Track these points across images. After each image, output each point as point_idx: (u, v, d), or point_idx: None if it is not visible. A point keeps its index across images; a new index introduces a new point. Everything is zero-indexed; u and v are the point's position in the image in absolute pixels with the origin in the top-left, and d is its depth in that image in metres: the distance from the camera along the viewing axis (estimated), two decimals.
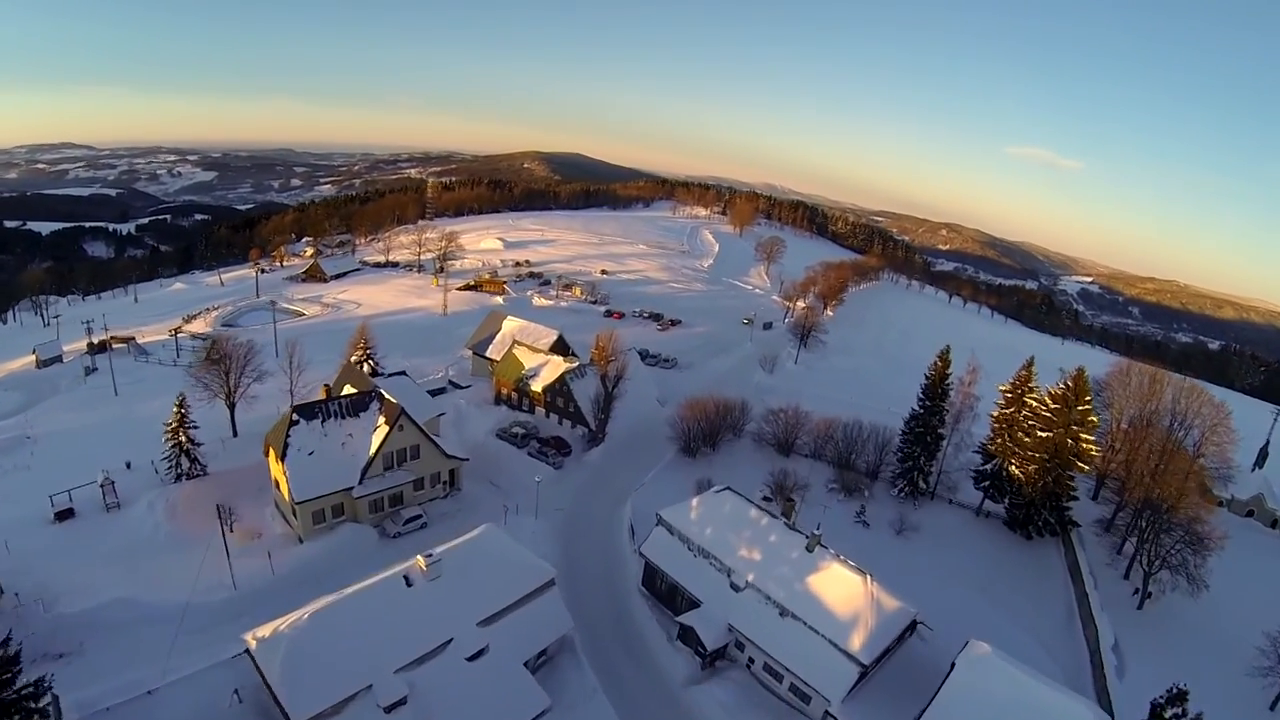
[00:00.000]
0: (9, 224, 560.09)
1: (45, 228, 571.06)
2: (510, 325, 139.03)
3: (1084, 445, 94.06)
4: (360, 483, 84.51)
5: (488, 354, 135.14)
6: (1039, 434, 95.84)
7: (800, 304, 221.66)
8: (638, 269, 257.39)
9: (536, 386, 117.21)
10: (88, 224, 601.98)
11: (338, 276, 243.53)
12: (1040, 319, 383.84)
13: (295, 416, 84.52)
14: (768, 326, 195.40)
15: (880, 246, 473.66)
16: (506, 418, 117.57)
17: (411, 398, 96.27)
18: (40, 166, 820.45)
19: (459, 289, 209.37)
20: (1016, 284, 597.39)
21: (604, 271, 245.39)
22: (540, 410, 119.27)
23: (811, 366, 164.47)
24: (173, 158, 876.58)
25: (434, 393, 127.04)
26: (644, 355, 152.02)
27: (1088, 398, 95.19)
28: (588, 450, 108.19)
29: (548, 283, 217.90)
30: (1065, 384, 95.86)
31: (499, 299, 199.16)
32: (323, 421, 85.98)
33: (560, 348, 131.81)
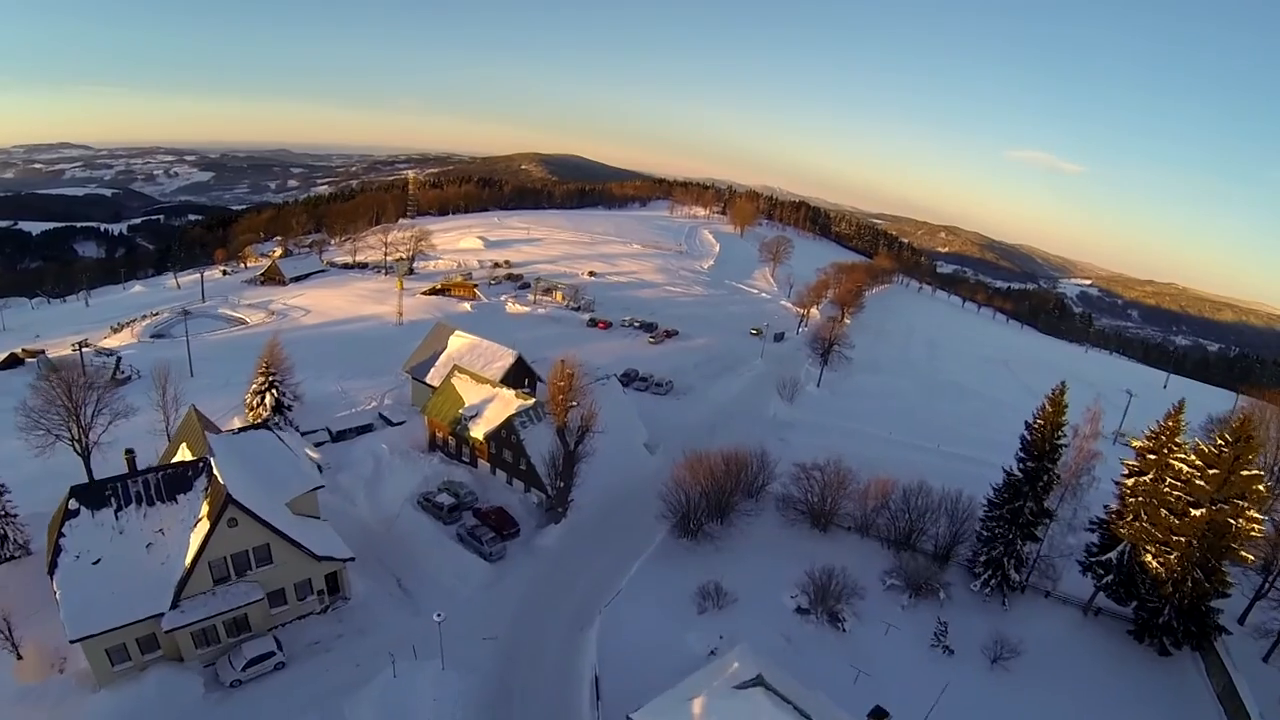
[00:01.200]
0: (1, 223, 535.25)
1: (37, 227, 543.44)
2: (457, 343, 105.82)
3: (1249, 525, 60.72)
4: (175, 606, 51.49)
5: (428, 379, 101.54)
6: (1188, 511, 62.46)
7: (814, 311, 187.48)
8: (630, 271, 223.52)
9: (477, 432, 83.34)
10: (79, 224, 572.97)
11: (298, 279, 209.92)
12: (1055, 325, 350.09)
13: (73, 504, 51.83)
14: (779, 338, 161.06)
15: (885, 248, 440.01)
16: (438, 474, 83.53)
17: (276, 464, 62.61)
18: (37, 166, 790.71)
19: (424, 293, 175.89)
20: (1027, 287, 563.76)
21: (592, 273, 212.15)
22: (485, 463, 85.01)
23: (837, 390, 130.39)
24: (170, 158, 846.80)
25: (358, 430, 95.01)
26: (630, 379, 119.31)
27: (1251, 457, 62.05)
28: (543, 527, 74.60)
29: (526, 286, 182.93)
30: (1221, 439, 62.64)
31: (467, 305, 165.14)
32: (118, 510, 53.56)
33: (517, 376, 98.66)
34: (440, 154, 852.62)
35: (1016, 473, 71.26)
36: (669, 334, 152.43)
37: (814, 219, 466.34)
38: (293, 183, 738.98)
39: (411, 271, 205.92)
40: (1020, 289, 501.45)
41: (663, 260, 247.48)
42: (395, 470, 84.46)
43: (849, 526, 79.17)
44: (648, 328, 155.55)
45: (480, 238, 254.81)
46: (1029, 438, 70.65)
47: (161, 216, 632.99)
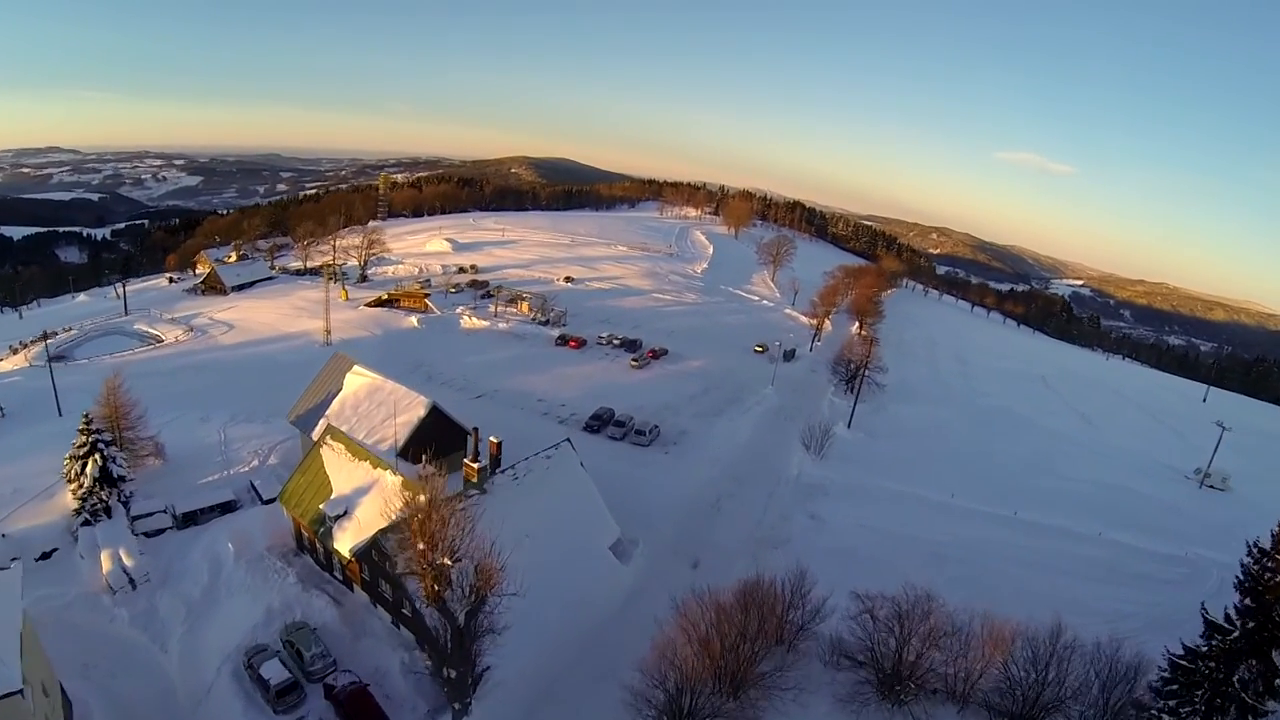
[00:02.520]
0: None
1: (19, 232, 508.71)
2: (355, 384, 73.79)
3: None
4: None
5: (316, 433, 68.81)
6: None
7: (828, 323, 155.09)
8: (613, 276, 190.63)
9: (343, 544, 50.39)
10: (63, 229, 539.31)
11: (242, 287, 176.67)
12: (1065, 328, 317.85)
13: None
14: (790, 357, 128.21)
15: (885, 249, 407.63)
16: (291, 604, 51.20)
17: None
18: (25, 170, 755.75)
19: (368, 305, 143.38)
20: (1030, 289, 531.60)
21: (568, 279, 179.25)
22: (364, 589, 52.66)
23: (872, 430, 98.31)
24: (158, 162, 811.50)
25: (216, 509, 64.12)
26: (602, 422, 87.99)
27: None
28: None
29: (492, 295, 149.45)
30: None
31: (414, 319, 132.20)
32: None
33: (430, 437, 65.20)
34: (430, 157, 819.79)
35: (1228, 621, 39.59)
36: (656, 354, 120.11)
37: (810, 220, 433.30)
38: (281, 187, 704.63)
39: (365, 279, 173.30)
40: (1024, 291, 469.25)
41: (650, 263, 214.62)
42: (233, 592, 52.99)
43: (938, 688, 47.10)
44: (630, 346, 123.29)
45: (448, 240, 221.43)
46: (1243, 580, 38.85)
47: (146, 221, 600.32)
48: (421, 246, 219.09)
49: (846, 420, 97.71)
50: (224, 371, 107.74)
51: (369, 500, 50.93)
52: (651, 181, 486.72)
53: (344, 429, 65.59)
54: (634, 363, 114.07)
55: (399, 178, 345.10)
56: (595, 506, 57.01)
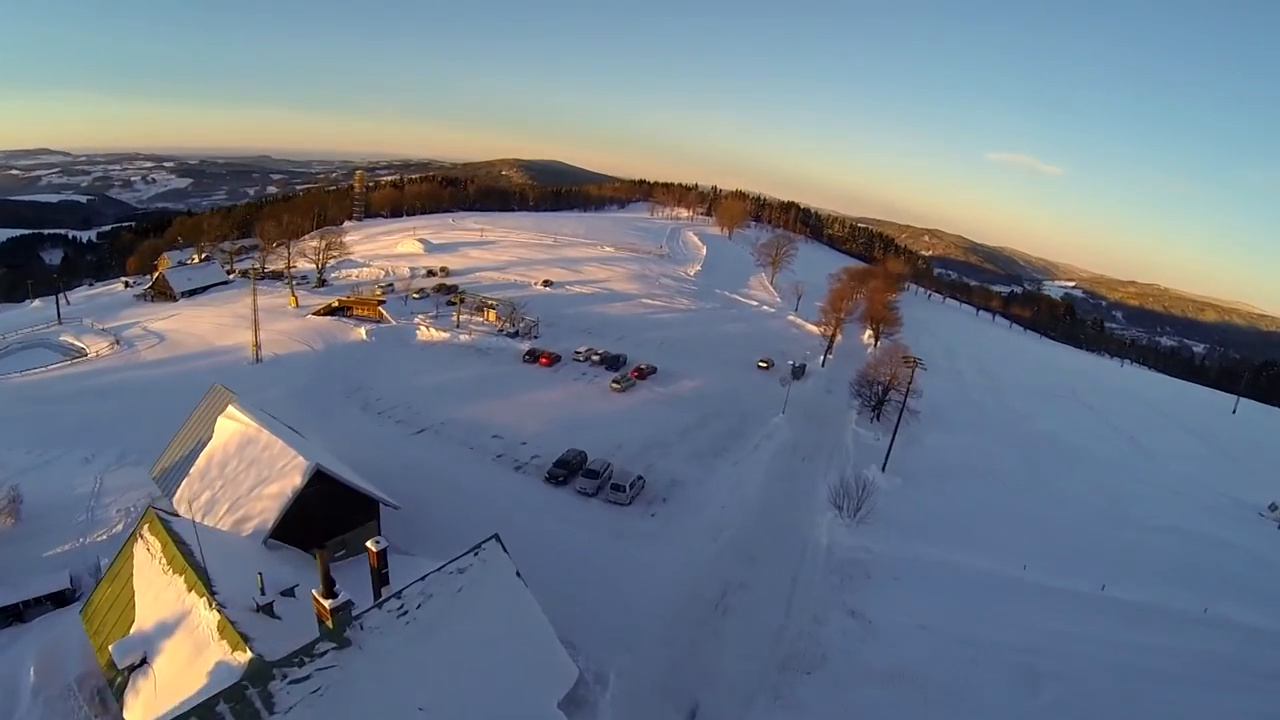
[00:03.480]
0: None
1: (2, 234, 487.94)
2: (226, 431, 51.96)
3: None
4: None
5: (178, 499, 48.36)
6: None
7: (835, 332, 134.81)
8: (598, 279, 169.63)
9: (134, 716, 29.54)
10: (48, 231, 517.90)
11: (194, 292, 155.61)
12: (1071, 332, 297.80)
13: None
14: (799, 373, 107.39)
15: (882, 251, 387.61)
16: None
17: None
18: (14, 173, 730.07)
19: (316, 313, 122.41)
20: (1026, 291, 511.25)
21: (547, 283, 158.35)
22: None
23: (912, 472, 77.51)
24: (148, 164, 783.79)
25: (28, 606, 45.22)
26: (569, 471, 66.96)
27: None
28: None
29: (455, 303, 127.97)
30: None
31: (363, 331, 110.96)
32: None
33: (306, 516, 44.41)
34: (421, 160, 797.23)
35: None
36: (643, 372, 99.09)
37: (805, 221, 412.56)
38: (272, 189, 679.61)
39: (323, 283, 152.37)
40: (1025, 294, 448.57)
41: (639, 265, 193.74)
42: None
43: None
44: (612, 363, 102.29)
45: (421, 240, 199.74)
46: None
47: (133, 224, 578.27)
48: (393, 248, 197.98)
49: (880, 461, 76.73)
50: (132, 396, 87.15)
51: (174, 646, 30.49)
52: (642, 182, 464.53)
53: (204, 497, 45.62)
54: (616, 385, 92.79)
55: (358, 172, 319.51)
56: (539, 640, 35.79)
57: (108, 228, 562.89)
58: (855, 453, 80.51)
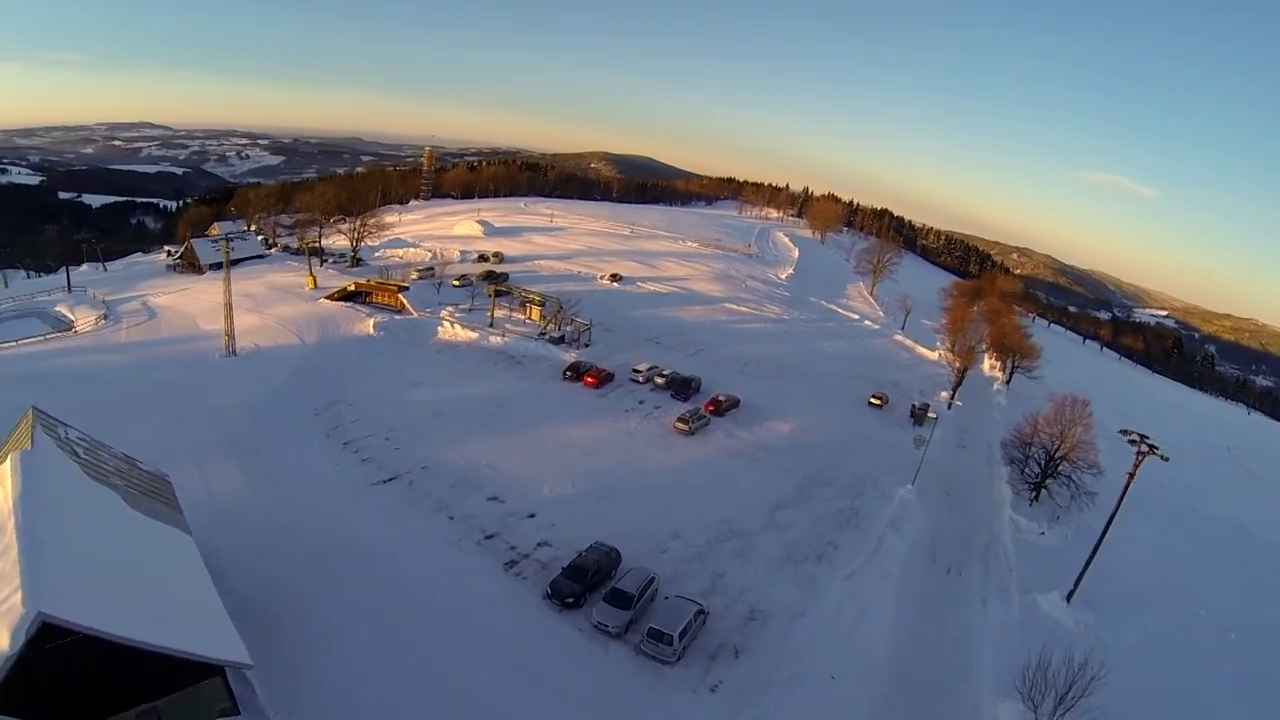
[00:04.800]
0: (63, 195, 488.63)
1: (99, 201, 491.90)
2: None
3: None
4: None
5: None
6: None
7: (967, 364, 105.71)
8: (676, 276, 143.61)
9: None
10: (140, 200, 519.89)
11: (222, 265, 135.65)
12: (1185, 370, 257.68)
13: None
14: (921, 417, 79.36)
15: (977, 265, 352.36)
16: None
17: None
18: (117, 144, 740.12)
19: (331, 298, 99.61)
20: (1141, 321, 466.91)
21: (615, 277, 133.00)
22: None
23: (1101, 605, 49.11)
24: (243, 141, 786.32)
25: None
26: (582, 585, 40.66)
27: None
28: None
29: (504, 292, 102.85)
30: None
31: (370, 325, 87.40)
32: None
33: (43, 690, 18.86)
34: (511, 148, 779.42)
35: None
36: (721, 407, 71.87)
37: (898, 229, 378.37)
38: (360, 169, 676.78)
39: (357, 262, 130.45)
40: (1129, 322, 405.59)
41: (724, 264, 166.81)
42: None
43: None
44: (680, 389, 75.50)
45: (481, 222, 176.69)
46: None
47: (204, 196, 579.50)
48: (450, 229, 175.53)
49: (1054, 575, 49.03)
50: (67, 387, 65.85)
51: None
52: (730, 180, 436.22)
53: None
54: (683, 425, 65.78)
55: (427, 149, 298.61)
56: None
57: (197, 198, 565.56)
58: (1018, 560, 53.51)
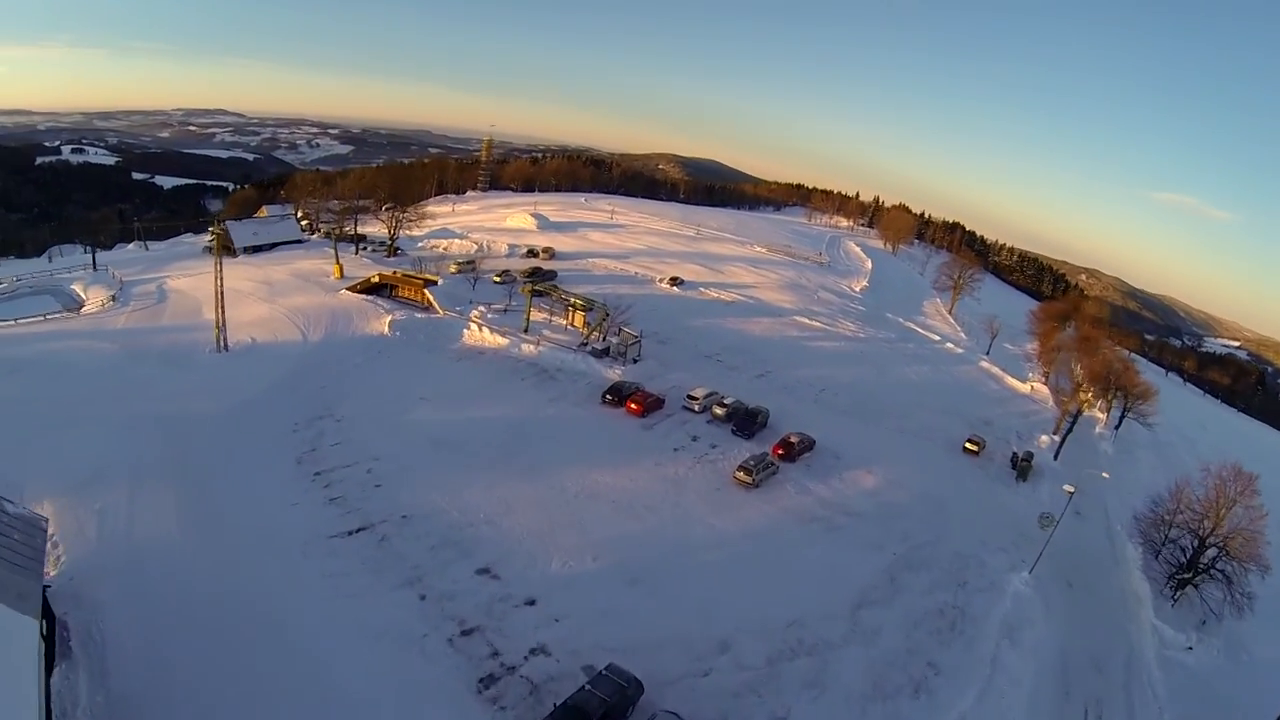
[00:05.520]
0: (137, 176, 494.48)
1: (170, 182, 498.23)
2: None
3: None
4: None
5: None
6: None
7: (1082, 406, 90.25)
8: (743, 284, 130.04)
9: None
10: (210, 183, 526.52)
11: (258, 249, 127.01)
12: (1267, 407, 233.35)
13: None
14: (1024, 469, 65.96)
15: (1052, 287, 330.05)
16: None
17: None
18: (191, 129, 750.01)
19: (353, 289, 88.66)
20: (1212, 351, 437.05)
21: (675, 281, 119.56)
22: None
23: None
24: (314, 129, 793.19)
25: None
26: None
27: None
28: None
29: (541, 293, 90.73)
30: None
31: (385, 323, 75.80)
32: None
33: None
34: (579, 146, 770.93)
35: None
36: (792, 450, 57.70)
37: (970, 244, 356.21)
38: (427, 161, 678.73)
39: (395, 251, 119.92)
40: (1219, 355, 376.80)
41: (795, 271, 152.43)
42: None
43: None
44: (744, 424, 61.58)
45: (535, 215, 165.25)
46: None
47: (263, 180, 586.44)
48: (503, 221, 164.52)
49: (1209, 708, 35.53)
50: (30, 378, 58.94)
51: None
52: (799, 186, 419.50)
53: None
54: (745, 475, 51.81)
55: (485, 139, 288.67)
56: None
57: (261, 182, 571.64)
58: (1167, 689, 39.50)
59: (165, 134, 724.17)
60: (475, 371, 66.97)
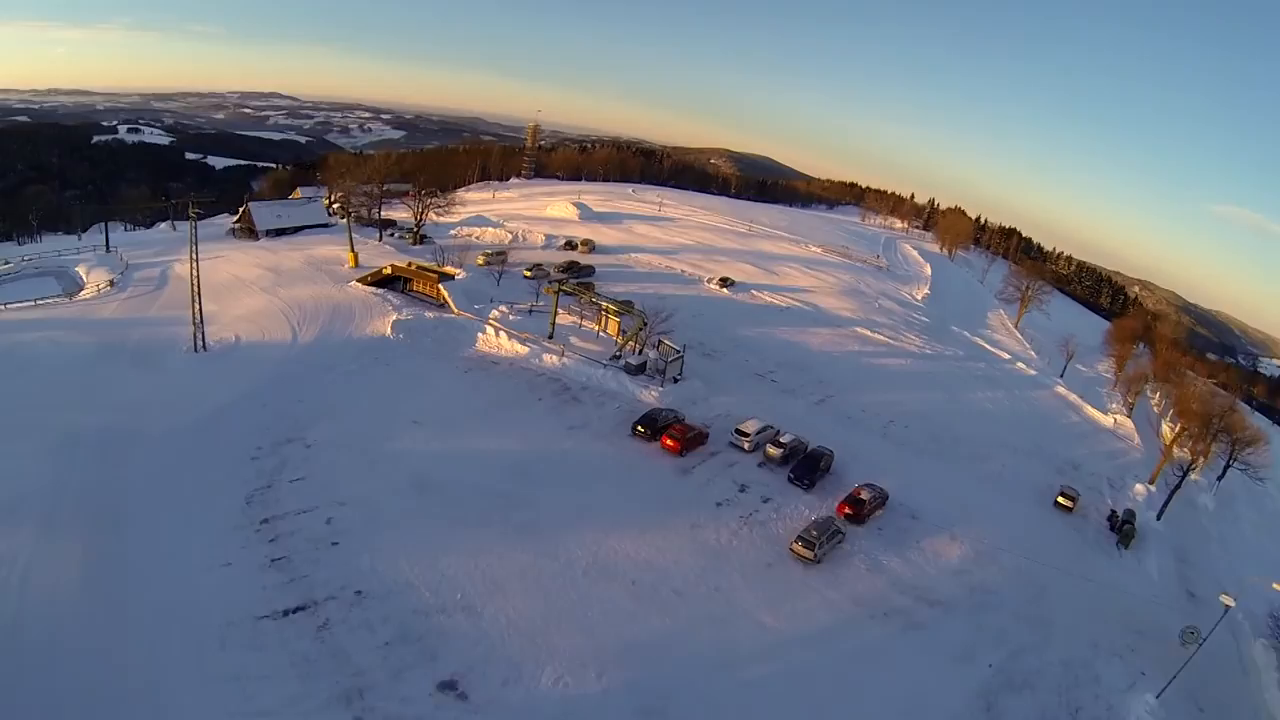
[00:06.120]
0: (190, 156, 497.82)
1: (222, 163, 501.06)
2: None
3: None
4: None
5: None
6: None
7: (1198, 459, 77.42)
8: (799, 287, 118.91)
9: None
10: (261, 164, 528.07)
11: (281, 232, 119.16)
12: None
13: None
14: (1128, 534, 54.58)
15: (1110, 300, 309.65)
16: None
17: None
18: (246, 111, 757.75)
19: (363, 281, 79.53)
20: (1267, 373, 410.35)
21: (725, 282, 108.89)
22: None
23: None
24: (367, 114, 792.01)
25: None
26: None
27: None
28: None
29: (569, 293, 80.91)
30: None
31: (388, 323, 66.06)
32: None
33: None
34: (632, 139, 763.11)
35: None
36: (862, 509, 46.04)
37: (1026, 251, 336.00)
38: (468, 147, 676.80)
39: (421, 239, 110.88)
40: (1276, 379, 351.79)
41: (853, 275, 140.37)
42: None
43: None
44: (804, 469, 50.07)
45: (577, 204, 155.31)
46: None
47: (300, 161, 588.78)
48: (543, 210, 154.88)
49: None
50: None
51: None
52: (853, 185, 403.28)
53: None
54: (804, 548, 40.51)
55: (531, 124, 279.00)
56: None
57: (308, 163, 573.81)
58: None
59: (220, 115, 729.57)
60: (485, 386, 56.86)
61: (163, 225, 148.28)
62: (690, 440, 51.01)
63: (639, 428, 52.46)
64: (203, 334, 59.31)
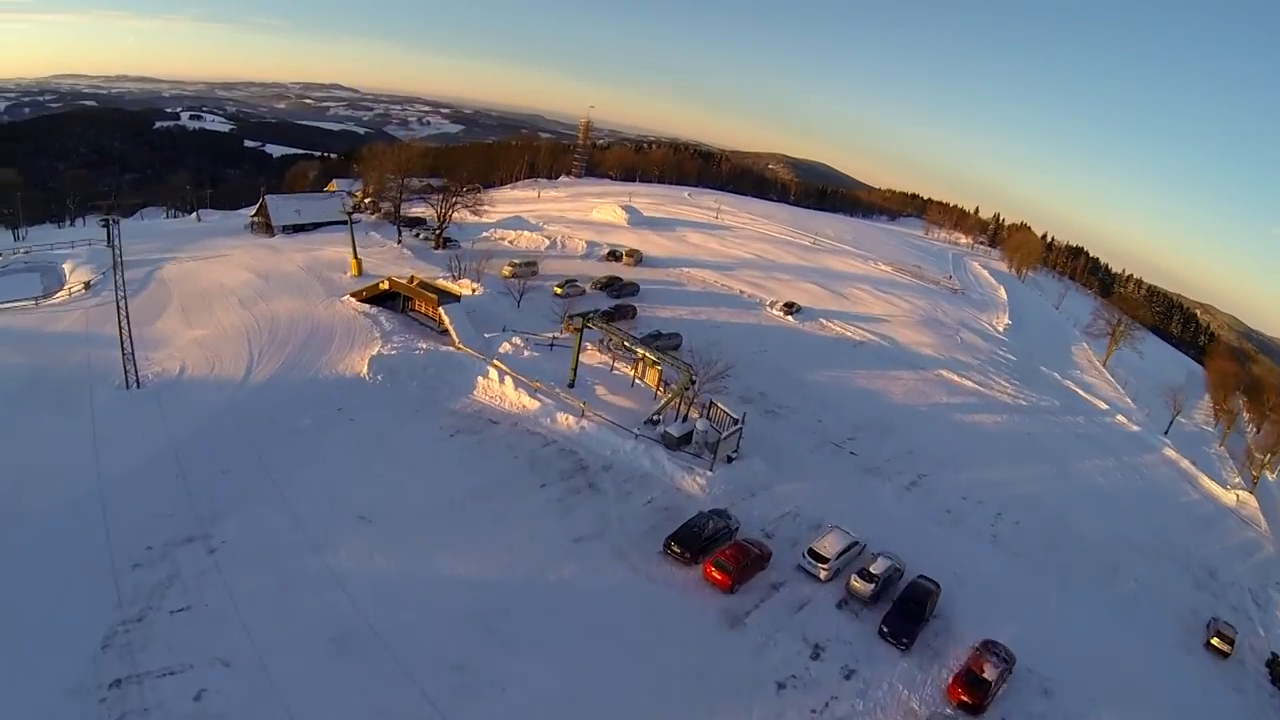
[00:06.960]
0: (249, 144, 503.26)
1: (279, 151, 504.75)
2: None
3: None
4: None
5: None
6: None
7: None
8: (871, 315, 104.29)
9: None
10: (317, 154, 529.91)
11: (299, 228, 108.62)
12: None
13: None
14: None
15: (1180, 328, 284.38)
16: None
17: None
18: (307, 101, 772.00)
19: (358, 295, 67.37)
20: None
21: (790, 308, 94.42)
22: None
23: None
24: (426, 108, 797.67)
25: None
26: None
27: None
28: None
29: (613, 315, 68.23)
30: None
31: (364, 363, 53.15)
32: None
33: None
34: (691, 140, 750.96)
35: None
36: (984, 693, 31.11)
37: (1094, 272, 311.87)
38: (536, 145, 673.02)
39: (444, 243, 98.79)
40: None
41: (927, 300, 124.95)
42: None
43: None
44: (903, 617, 35.11)
45: (625, 208, 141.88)
46: None
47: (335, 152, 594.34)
48: (588, 213, 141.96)
49: None
50: None
51: None
52: (914, 196, 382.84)
53: None
54: None
55: (583, 120, 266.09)
56: None
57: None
58: None
59: (281, 105, 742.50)
60: (472, 461, 43.29)
61: (192, 215, 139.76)
62: (745, 569, 36.43)
63: (674, 547, 37.88)
64: (134, 366, 47.35)
